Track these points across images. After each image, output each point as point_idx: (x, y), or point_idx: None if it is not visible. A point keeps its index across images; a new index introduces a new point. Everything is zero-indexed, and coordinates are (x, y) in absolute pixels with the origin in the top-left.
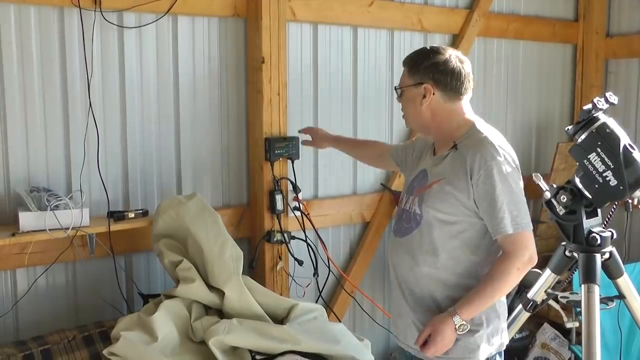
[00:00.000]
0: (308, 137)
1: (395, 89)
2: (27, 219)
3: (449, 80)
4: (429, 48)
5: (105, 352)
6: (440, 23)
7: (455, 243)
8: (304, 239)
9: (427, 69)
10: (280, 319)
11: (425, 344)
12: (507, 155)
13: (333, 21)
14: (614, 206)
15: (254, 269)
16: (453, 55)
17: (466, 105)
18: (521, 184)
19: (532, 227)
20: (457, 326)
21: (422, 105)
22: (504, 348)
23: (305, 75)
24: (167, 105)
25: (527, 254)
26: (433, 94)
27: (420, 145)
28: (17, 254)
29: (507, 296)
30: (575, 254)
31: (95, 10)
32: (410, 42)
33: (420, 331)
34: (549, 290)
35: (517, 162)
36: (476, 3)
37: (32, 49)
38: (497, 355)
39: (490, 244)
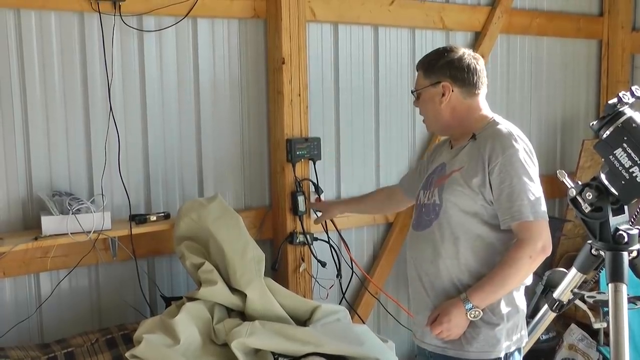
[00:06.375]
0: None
1: (412, 92)
2: (49, 223)
3: (465, 76)
4: (441, 48)
5: (127, 354)
6: (462, 21)
7: (475, 232)
8: (327, 240)
9: (442, 67)
10: (303, 321)
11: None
12: (525, 145)
13: (353, 21)
14: None
15: (276, 270)
16: (466, 53)
17: (483, 101)
18: (538, 174)
19: (547, 218)
20: (467, 310)
21: (441, 104)
22: (523, 344)
23: (326, 75)
24: (187, 107)
25: (541, 243)
26: (452, 90)
27: (434, 151)
28: (40, 257)
29: (532, 295)
30: (602, 253)
31: (115, 15)
32: (432, 41)
33: (432, 313)
34: (576, 290)
35: (534, 154)
36: None
37: (53, 54)
38: (517, 351)
39: (509, 233)
